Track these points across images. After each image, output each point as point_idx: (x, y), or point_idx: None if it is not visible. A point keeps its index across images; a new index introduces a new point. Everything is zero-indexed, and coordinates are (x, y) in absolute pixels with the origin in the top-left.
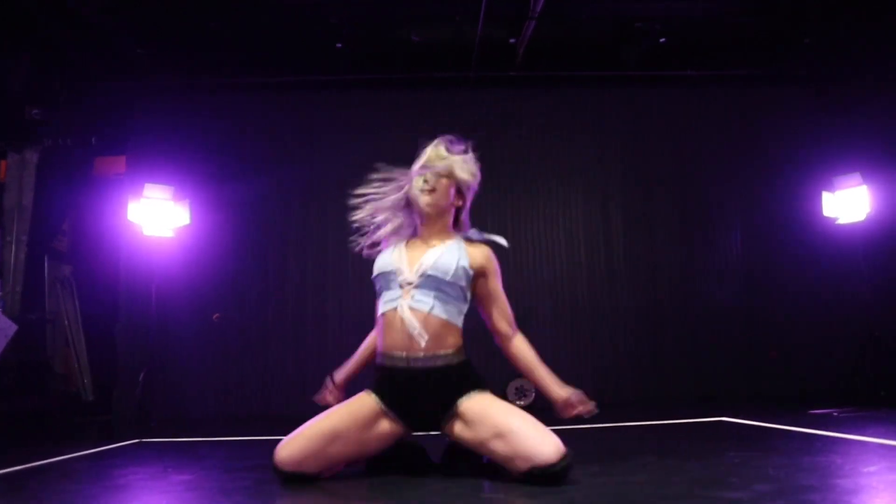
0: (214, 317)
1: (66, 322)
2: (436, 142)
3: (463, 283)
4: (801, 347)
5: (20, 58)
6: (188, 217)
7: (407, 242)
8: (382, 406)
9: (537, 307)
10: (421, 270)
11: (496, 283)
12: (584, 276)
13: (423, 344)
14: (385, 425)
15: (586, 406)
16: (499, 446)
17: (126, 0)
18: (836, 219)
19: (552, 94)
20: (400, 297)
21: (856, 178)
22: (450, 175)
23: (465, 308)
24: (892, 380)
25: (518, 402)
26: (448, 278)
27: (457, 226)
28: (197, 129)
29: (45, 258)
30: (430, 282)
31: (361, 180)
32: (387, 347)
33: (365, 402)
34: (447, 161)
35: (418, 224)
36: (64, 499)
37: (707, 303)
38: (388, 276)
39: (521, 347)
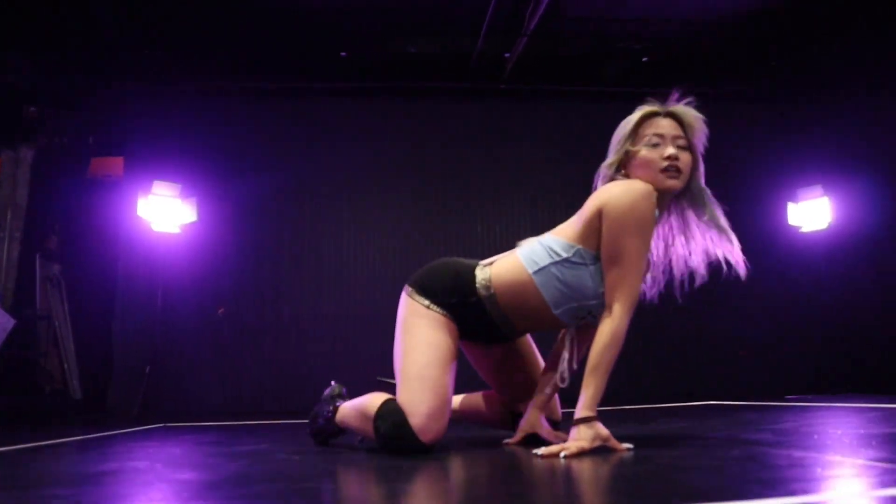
0: (219, 311)
1: (56, 321)
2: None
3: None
4: (768, 346)
5: (19, 55)
6: (195, 214)
7: None
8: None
9: None
10: None
11: None
12: None
13: None
14: None
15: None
16: None
17: (132, 2)
18: (800, 227)
19: (538, 106)
20: None
21: (818, 189)
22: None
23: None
24: (850, 374)
25: None
26: None
27: None
28: (201, 132)
29: (38, 256)
30: None
31: (359, 184)
32: None
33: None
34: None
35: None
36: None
37: (679, 305)
38: None
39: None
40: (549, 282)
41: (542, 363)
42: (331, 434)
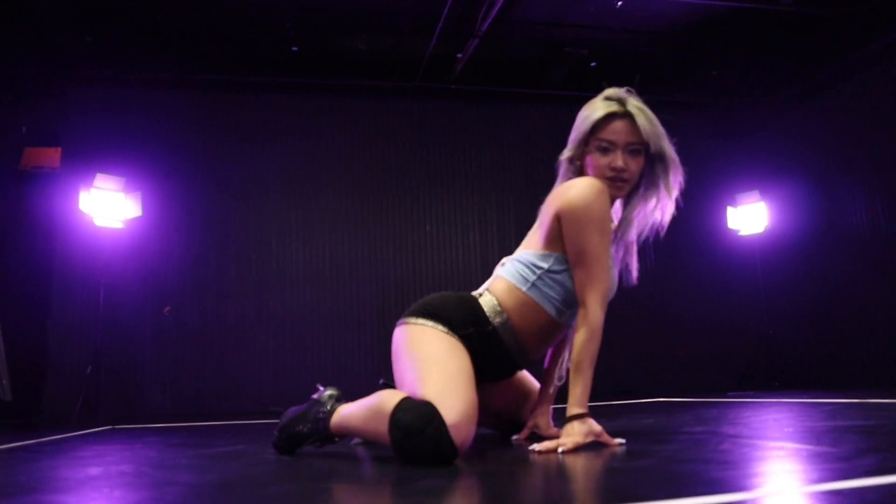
0: (165, 310)
1: None
2: (619, 94)
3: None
4: (708, 345)
5: None
6: (140, 209)
7: None
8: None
9: None
10: None
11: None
12: None
13: None
14: None
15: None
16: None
17: None
18: (738, 231)
19: (486, 107)
20: None
21: (755, 194)
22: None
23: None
24: (784, 371)
25: None
26: None
27: None
28: (146, 125)
29: None
30: None
31: (306, 181)
32: None
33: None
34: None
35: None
36: None
37: (623, 306)
38: None
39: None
40: (543, 294)
41: (525, 374)
42: (321, 440)
